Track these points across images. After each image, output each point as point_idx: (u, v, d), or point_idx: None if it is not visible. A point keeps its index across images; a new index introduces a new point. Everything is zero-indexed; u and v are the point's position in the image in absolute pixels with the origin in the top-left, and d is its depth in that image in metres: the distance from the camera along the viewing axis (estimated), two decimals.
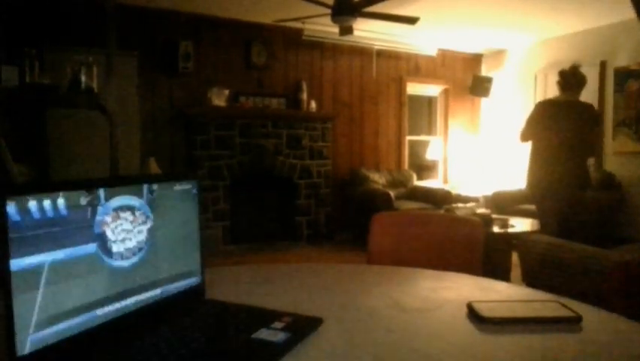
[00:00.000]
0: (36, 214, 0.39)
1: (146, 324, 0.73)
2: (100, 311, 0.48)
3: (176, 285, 0.60)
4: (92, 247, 0.46)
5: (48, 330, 0.39)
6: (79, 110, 3.93)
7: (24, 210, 0.38)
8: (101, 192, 0.46)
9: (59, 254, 0.42)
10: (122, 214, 0.48)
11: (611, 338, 0.74)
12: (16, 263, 0.37)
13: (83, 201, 0.44)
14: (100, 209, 0.45)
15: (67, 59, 3.13)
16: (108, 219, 0.46)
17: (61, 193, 0.45)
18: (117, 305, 0.49)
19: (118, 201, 0.47)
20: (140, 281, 0.52)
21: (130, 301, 0.51)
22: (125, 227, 0.48)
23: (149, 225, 0.52)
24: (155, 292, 0.54)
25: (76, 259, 0.43)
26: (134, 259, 0.53)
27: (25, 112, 3.86)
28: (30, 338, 0.40)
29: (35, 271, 0.39)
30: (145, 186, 0.51)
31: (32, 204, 0.38)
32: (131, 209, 0.49)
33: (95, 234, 0.45)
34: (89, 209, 0.44)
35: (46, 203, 0.40)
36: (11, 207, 0.38)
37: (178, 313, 0.80)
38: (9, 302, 0.55)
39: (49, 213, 0.41)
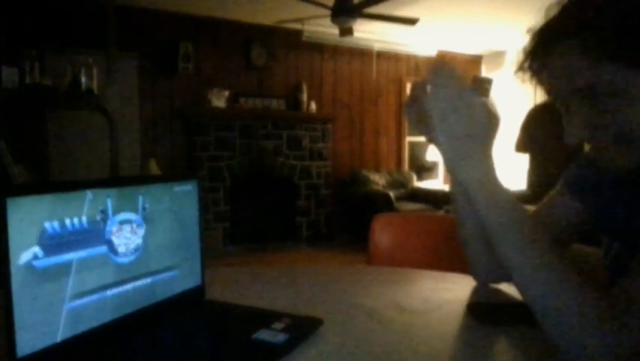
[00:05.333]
0: (69, 227, 0.61)
1: (147, 325, 0.74)
2: (109, 292, 0.68)
3: (164, 275, 0.78)
4: (103, 249, 0.66)
5: (76, 302, 0.62)
6: (79, 111, 3.93)
7: (62, 225, 0.60)
8: (110, 211, 0.66)
9: (83, 253, 0.63)
10: (124, 226, 0.68)
11: None
12: (57, 258, 0.59)
13: (98, 217, 0.65)
14: (109, 222, 0.66)
15: (67, 60, 3.13)
16: (114, 229, 0.67)
17: (85, 210, 0.63)
18: (120, 288, 0.69)
19: (121, 216, 0.68)
20: (136, 272, 0.72)
21: (129, 286, 0.71)
22: (126, 234, 0.69)
23: (143, 233, 0.72)
24: (147, 280, 0.74)
25: (93, 256, 0.65)
26: (132, 257, 0.72)
27: (26, 113, 3.87)
28: (66, 306, 0.60)
29: (68, 264, 0.61)
30: (140, 204, 0.71)
31: (67, 221, 0.60)
32: (130, 222, 0.70)
33: (105, 239, 0.66)
34: (102, 223, 0.65)
35: (75, 220, 0.62)
36: (55, 223, 0.59)
37: (178, 313, 0.80)
38: (9, 302, 0.56)
39: (77, 226, 0.62)
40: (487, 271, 0.93)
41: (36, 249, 0.56)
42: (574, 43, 0.59)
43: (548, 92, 0.66)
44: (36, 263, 0.56)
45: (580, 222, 0.85)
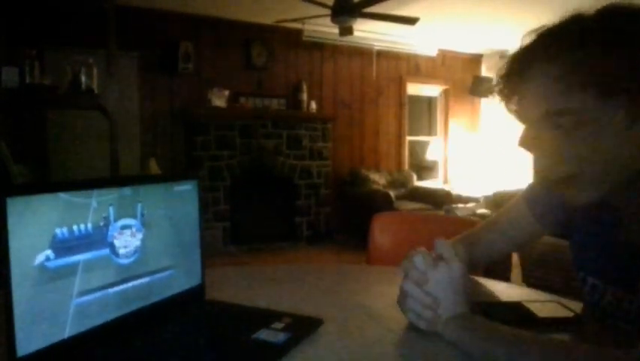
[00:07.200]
0: (77, 233, 0.66)
1: (148, 324, 0.74)
2: (111, 290, 0.72)
3: (162, 275, 0.81)
4: (106, 251, 0.71)
5: (83, 298, 0.67)
6: (79, 111, 3.93)
7: (70, 231, 0.65)
8: (111, 217, 0.71)
9: (88, 255, 0.68)
10: (124, 230, 0.74)
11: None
12: (66, 260, 0.65)
13: (101, 223, 0.70)
14: (111, 227, 0.71)
15: (67, 60, 3.13)
16: (116, 233, 0.72)
17: (90, 217, 0.68)
18: (122, 287, 0.73)
19: (122, 222, 0.73)
20: (135, 272, 0.76)
21: (129, 284, 0.75)
22: (126, 238, 0.74)
23: (141, 236, 0.77)
24: (146, 280, 0.78)
25: (97, 258, 0.69)
26: (132, 258, 0.75)
27: (25, 113, 3.87)
28: (74, 301, 0.66)
29: (75, 264, 0.66)
30: (139, 211, 0.76)
31: (75, 227, 0.66)
32: (129, 227, 0.75)
33: (108, 242, 0.71)
34: (104, 228, 0.70)
35: (82, 226, 0.67)
36: (64, 229, 0.64)
37: (178, 313, 0.80)
38: (9, 303, 0.56)
39: (83, 231, 0.67)
40: None
41: (48, 251, 0.62)
42: (550, 68, 0.61)
43: (517, 116, 0.67)
44: (48, 264, 0.62)
45: (536, 237, 0.91)
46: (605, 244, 0.74)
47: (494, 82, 0.68)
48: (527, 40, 0.64)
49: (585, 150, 0.61)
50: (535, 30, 0.64)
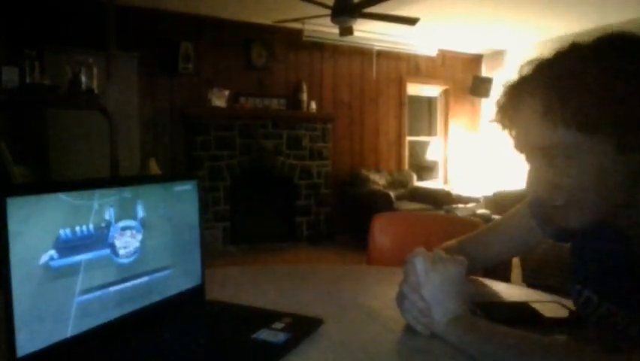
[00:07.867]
0: (79, 233, 0.68)
1: (148, 324, 0.74)
2: (112, 289, 0.73)
3: (161, 274, 0.82)
4: (107, 251, 0.72)
5: (84, 297, 0.68)
6: (79, 111, 3.93)
7: (73, 231, 0.67)
8: (112, 219, 0.73)
9: (90, 255, 0.69)
10: (125, 231, 0.75)
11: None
12: (69, 260, 0.66)
13: (103, 224, 0.71)
14: (112, 228, 0.73)
15: (67, 60, 3.14)
16: (116, 234, 0.74)
17: (91, 218, 0.70)
18: (122, 286, 0.74)
19: (122, 223, 0.75)
20: (135, 272, 0.77)
21: (129, 283, 0.76)
22: (126, 239, 0.76)
23: (141, 237, 0.78)
24: (145, 279, 0.79)
25: (98, 258, 0.71)
26: (132, 258, 0.76)
27: (26, 113, 3.87)
28: (76, 300, 0.67)
29: (78, 264, 0.68)
30: (139, 212, 0.78)
31: (77, 228, 0.67)
32: (130, 228, 0.76)
33: (109, 243, 0.72)
34: (105, 229, 0.72)
35: (84, 227, 0.68)
36: (67, 230, 0.66)
37: (178, 313, 0.80)
38: (9, 302, 0.56)
39: (85, 232, 0.69)
40: None
41: (52, 251, 0.64)
42: (536, 104, 0.61)
43: (514, 145, 0.68)
44: (52, 263, 0.64)
45: (537, 243, 0.91)
46: (605, 259, 0.73)
47: (494, 109, 0.68)
48: (524, 71, 0.64)
49: (576, 180, 0.60)
50: (532, 60, 0.64)
